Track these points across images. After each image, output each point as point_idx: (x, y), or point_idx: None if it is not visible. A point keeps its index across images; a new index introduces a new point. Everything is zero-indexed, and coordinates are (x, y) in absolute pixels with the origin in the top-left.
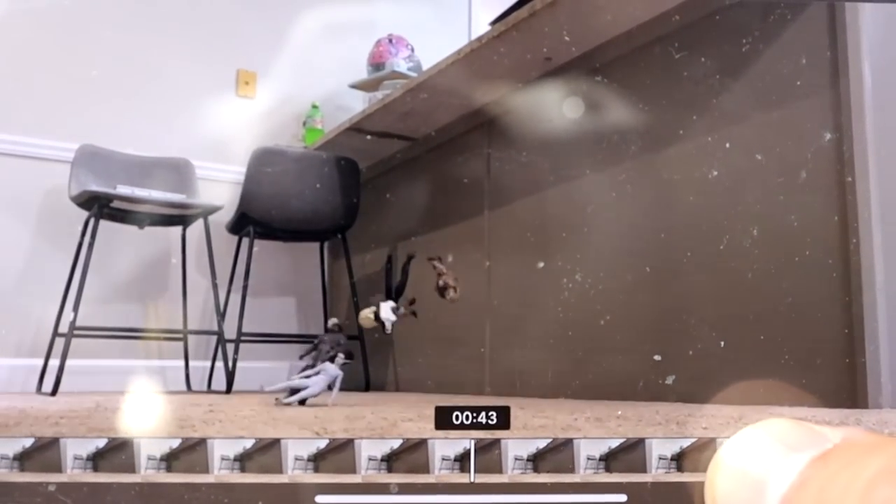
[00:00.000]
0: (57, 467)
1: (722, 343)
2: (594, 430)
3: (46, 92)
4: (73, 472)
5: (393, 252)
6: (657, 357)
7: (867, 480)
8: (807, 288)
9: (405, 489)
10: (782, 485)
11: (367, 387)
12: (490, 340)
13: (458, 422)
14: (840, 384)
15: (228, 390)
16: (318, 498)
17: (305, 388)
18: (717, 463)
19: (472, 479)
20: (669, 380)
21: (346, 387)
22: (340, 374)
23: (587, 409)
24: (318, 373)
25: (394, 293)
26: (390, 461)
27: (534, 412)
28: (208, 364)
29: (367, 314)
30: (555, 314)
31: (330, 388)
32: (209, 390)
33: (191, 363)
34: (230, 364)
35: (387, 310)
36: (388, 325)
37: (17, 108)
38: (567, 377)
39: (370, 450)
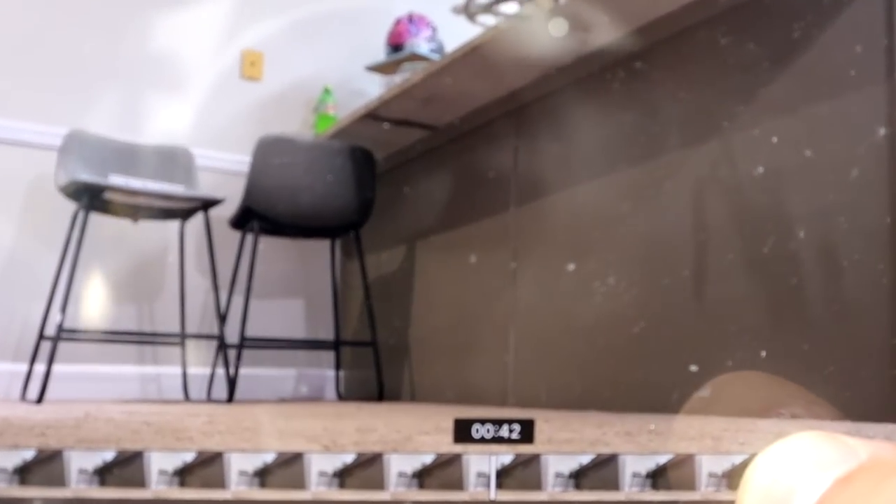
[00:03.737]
0: (60, 481)
1: (763, 353)
2: (624, 445)
3: (33, 71)
4: (78, 487)
5: (411, 255)
6: (693, 367)
7: None
8: (855, 295)
9: None
10: None
11: (380, 396)
12: (514, 348)
13: (479, 436)
14: (886, 398)
15: (230, 399)
16: None
17: None
18: (746, 479)
19: (492, 497)
20: (705, 392)
21: (358, 396)
22: None
23: (617, 422)
24: None
25: None
26: (422, 477)
27: (560, 425)
28: (208, 371)
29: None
30: (585, 320)
31: None
32: (209, 399)
33: (189, 370)
34: (232, 371)
35: None
36: None
37: None
38: (597, 388)
39: (400, 465)
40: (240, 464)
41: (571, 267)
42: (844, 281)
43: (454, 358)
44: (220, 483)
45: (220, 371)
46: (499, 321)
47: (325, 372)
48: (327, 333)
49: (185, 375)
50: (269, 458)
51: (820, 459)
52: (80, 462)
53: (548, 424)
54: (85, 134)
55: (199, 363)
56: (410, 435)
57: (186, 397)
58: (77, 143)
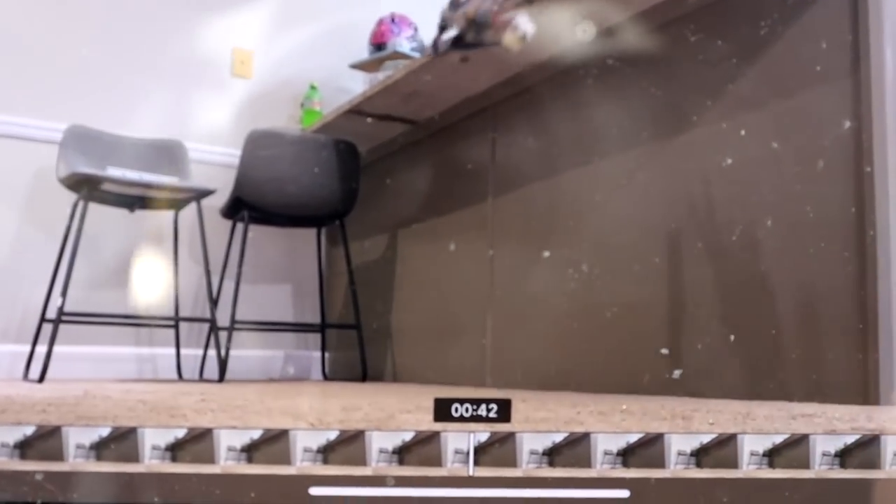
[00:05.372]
0: (58, 456)
1: (731, 337)
2: (597, 424)
3: (35, 70)
4: (76, 462)
5: (393, 243)
6: (664, 350)
7: None
8: (821, 281)
9: (403, 482)
10: None
11: (363, 377)
12: (492, 331)
13: (458, 414)
14: (852, 380)
15: (221, 379)
16: (312, 490)
17: None
18: None
19: (470, 473)
20: (676, 374)
21: (342, 376)
22: None
23: (591, 402)
24: None
25: None
26: (401, 453)
27: (536, 405)
28: (200, 352)
29: (514, 38)
30: (559, 305)
31: None
32: (201, 379)
33: (182, 351)
34: (223, 352)
35: (524, 21)
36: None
37: (3, 86)
38: (571, 370)
39: (381, 442)
40: (229, 440)
41: (546, 254)
42: (811, 268)
43: (434, 340)
44: (210, 458)
45: (212, 352)
46: (477, 306)
47: (311, 353)
48: (314, 317)
49: (178, 356)
50: (257, 434)
51: None
52: (78, 437)
53: (524, 404)
54: (84, 129)
55: (192, 345)
56: (393, 413)
57: (180, 377)
58: (76, 138)
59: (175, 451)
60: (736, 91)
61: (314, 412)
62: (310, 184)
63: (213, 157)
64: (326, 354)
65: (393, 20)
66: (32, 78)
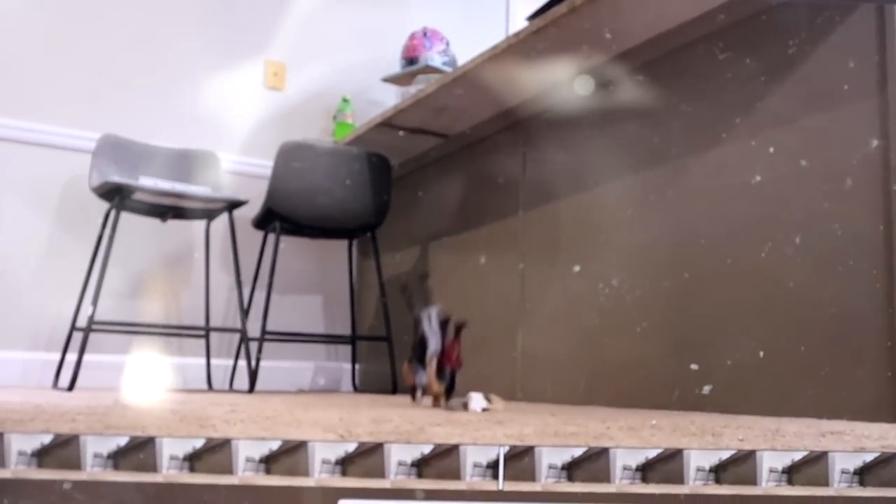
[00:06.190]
0: (76, 465)
1: (761, 353)
2: (627, 439)
3: (68, 79)
4: (93, 471)
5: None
6: (694, 366)
7: None
8: (850, 298)
9: (432, 496)
10: None
11: (394, 389)
12: (522, 344)
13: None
14: (881, 398)
15: (251, 390)
16: (342, 502)
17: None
18: None
19: (500, 487)
20: (706, 389)
21: (373, 388)
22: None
23: (620, 417)
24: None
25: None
26: (420, 466)
27: (566, 419)
28: (231, 362)
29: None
30: (590, 320)
31: None
32: (231, 389)
33: (213, 361)
34: (253, 363)
35: (478, 401)
36: (420, 397)
37: (37, 95)
38: (601, 385)
39: (400, 454)
40: (247, 450)
41: (577, 269)
42: (839, 285)
43: (465, 353)
44: (228, 469)
45: (242, 363)
46: (507, 319)
47: (341, 365)
48: (344, 328)
49: (208, 366)
50: (275, 445)
51: None
52: (96, 447)
53: (554, 418)
54: (117, 138)
55: (223, 355)
56: (423, 426)
57: (210, 387)
58: (109, 147)
59: (193, 461)
60: (765, 109)
61: (344, 424)
62: (342, 196)
63: (246, 167)
64: (357, 366)
65: (425, 34)
66: (66, 87)
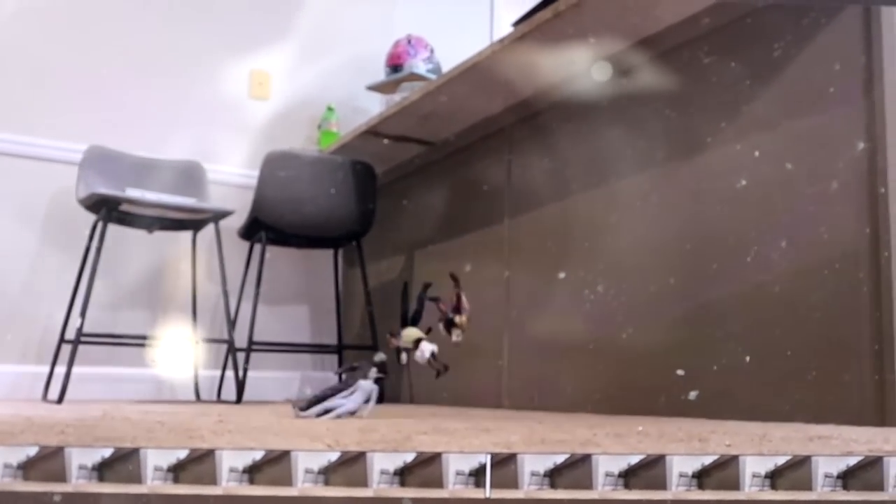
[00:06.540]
0: (61, 477)
1: (747, 358)
2: (614, 445)
3: (54, 91)
4: (78, 483)
5: (409, 264)
6: (680, 372)
7: None
8: (836, 302)
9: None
10: None
11: (380, 399)
12: (508, 352)
13: None
14: (868, 401)
15: (239, 400)
16: None
17: (341, 405)
18: None
19: (487, 495)
20: (692, 395)
21: None
22: (375, 388)
23: (607, 424)
24: (353, 392)
25: (409, 321)
26: (403, 475)
27: (552, 427)
28: (218, 373)
29: (412, 335)
30: (575, 326)
31: (367, 402)
32: (219, 400)
33: (200, 372)
34: (241, 373)
35: (426, 349)
36: (405, 358)
37: (23, 107)
38: (587, 391)
39: (383, 463)
40: (231, 461)
41: (562, 275)
42: (826, 289)
43: (451, 362)
44: (212, 479)
45: (230, 373)
46: (493, 327)
47: (328, 374)
48: (331, 338)
49: (196, 377)
50: (259, 455)
51: None
52: (81, 458)
53: (541, 426)
54: (103, 150)
55: (210, 366)
56: (409, 435)
57: (198, 398)
58: (96, 159)
59: (177, 472)
60: (750, 112)
61: (331, 433)
62: (327, 205)
63: (231, 178)
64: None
65: (409, 42)
66: (52, 99)
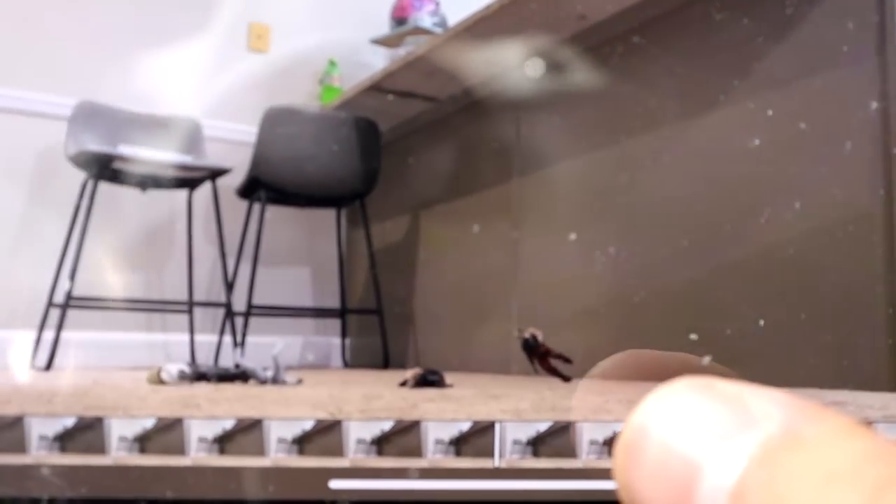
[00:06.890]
0: (21, 448)
1: (761, 322)
2: (627, 413)
3: (42, 43)
4: (38, 454)
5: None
6: (693, 336)
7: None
8: (850, 265)
9: (428, 475)
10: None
11: (385, 364)
12: (517, 316)
13: None
14: (882, 366)
15: (237, 366)
16: (332, 483)
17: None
18: (627, 447)
19: (496, 465)
20: (706, 360)
21: (363, 363)
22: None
23: (619, 390)
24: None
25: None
26: (381, 444)
27: (563, 393)
28: (215, 339)
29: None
30: (586, 290)
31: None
32: (216, 366)
33: (197, 337)
34: (239, 338)
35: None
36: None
37: (9, 59)
38: (598, 356)
39: (359, 431)
40: (200, 430)
41: (573, 237)
42: (840, 251)
43: (458, 326)
44: (181, 450)
45: (228, 339)
46: (502, 290)
47: (331, 340)
48: (333, 302)
49: (192, 343)
50: (228, 424)
51: (720, 427)
52: (41, 428)
53: (551, 392)
54: (94, 104)
55: (207, 331)
56: (416, 402)
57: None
58: (87, 114)
59: (143, 442)
60: (763, 70)
61: (334, 401)
62: (329, 163)
63: (229, 134)
64: (347, 341)
65: None
66: (40, 50)
